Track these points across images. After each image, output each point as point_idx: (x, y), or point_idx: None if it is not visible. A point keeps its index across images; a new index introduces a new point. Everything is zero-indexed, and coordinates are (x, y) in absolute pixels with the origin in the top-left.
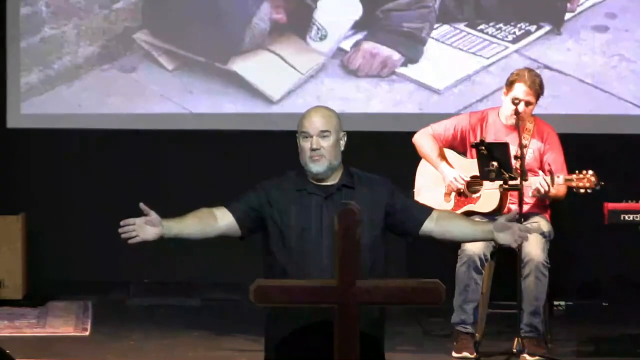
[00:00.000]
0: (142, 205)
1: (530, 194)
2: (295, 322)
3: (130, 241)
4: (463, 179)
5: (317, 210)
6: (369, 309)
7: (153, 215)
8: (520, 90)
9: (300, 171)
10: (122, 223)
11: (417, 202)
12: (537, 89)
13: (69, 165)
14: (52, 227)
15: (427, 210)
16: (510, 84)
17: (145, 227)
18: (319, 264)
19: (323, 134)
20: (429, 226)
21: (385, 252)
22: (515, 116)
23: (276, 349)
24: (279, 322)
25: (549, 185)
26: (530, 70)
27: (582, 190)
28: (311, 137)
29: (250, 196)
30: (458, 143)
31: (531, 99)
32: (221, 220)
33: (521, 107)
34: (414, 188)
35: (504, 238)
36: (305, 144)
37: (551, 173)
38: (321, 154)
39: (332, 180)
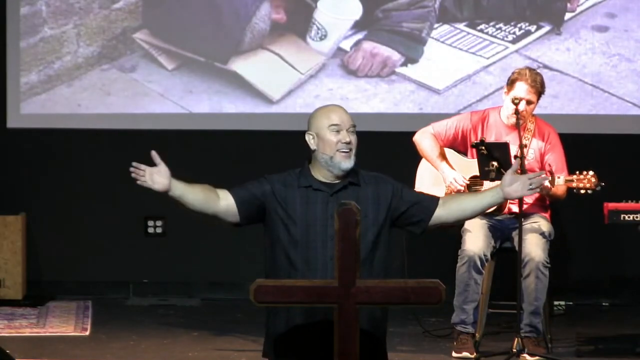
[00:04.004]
0: (153, 153)
1: None
2: (295, 320)
3: (138, 182)
4: (463, 180)
5: (322, 207)
6: (371, 307)
7: (163, 166)
8: (522, 89)
9: (303, 169)
10: (133, 164)
11: (423, 194)
12: (539, 88)
13: (69, 165)
14: (52, 227)
15: (435, 200)
16: (511, 83)
17: (154, 176)
18: (324, 260)
19: (351, 128)
20: (439, 213)
21: (388, 249)
22: (515, 116)
23: (275, 346)
24: (279, 319)
25: (549, 185)
26: (531, 69)
27: (582, 191)
28: (342, 130)
29: (255, 185)
30: (459, 143)
31: (532, 97)
32: (222, 200)
33: (522, 106)
34: (413, 187)
35: (515, 190)
36: (334, 138)
37: (552, 173)
38: (351, 149)
39: (339, 178)
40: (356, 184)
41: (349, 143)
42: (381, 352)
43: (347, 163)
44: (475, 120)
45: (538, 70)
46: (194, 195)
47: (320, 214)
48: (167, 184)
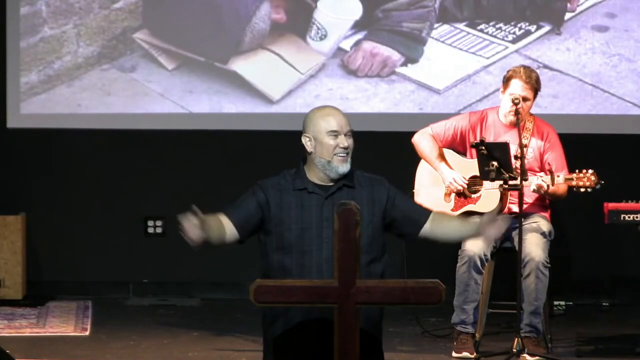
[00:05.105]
0: (194, 207)
1: (532, 190)
2: (292, 322)
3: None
4: (462, 180)
5: (317, 210)
6: (368, 307)
7: (201, 218)
8: (517, 86)
9: (298, 171)
10: (180, 220)
11: (416, 205)
12: (534, 84)
13: (69, 165)
14: (52, 227)
15: (425, 213)
16: (506, 81)
17: (193, 229)
18: (319, 264)
19: (348, 133)
20: (427, 228)
21: (382, 252)
22: (513, 113)
23: (275, 349)
24: (277, 323)
25: (548, 185)
26: (525, 66)
27: (582, 190)
28: (340, 135)
29: (250, 199)
30: (458, 143)
31: (528, 94)
32: (228, 231)
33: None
34: (413, 188)
35: (489, 235)
36: (332, 142)
37: (551, 172)
38: (348, 153)
39: (334, 180)
40: (351, 186)
41: (346, 148)
42: (378, 352)
43: (344, 167)
44: (474, 120)
45: (537, 70)
46: (212, 236)
47: (315, 217)
48: (203, 235)
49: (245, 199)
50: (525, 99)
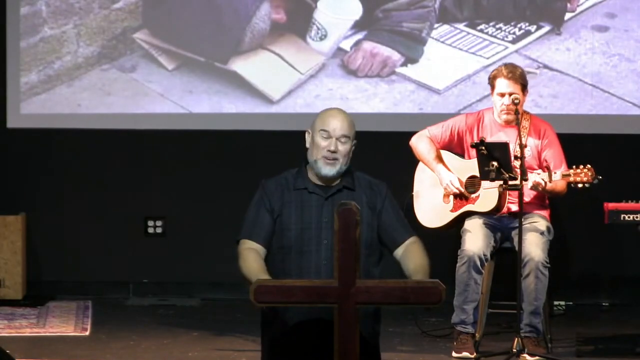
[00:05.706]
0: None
1: (529, 187)
2: (291, 322)
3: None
4: (459, 183)
5: (317, 210)
6: (365, 308)
7: None
8: (502, 84)
9: (300, 170)
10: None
11: (401, 222)
12: (518, 79)
13: (69, 165)
14: (52, 227)
15: (404, 236)
16: (492, 82)
17: None
18: (317, 265)
19: (342, 138)
20: (398, 253)
21: (380, 254)
22: (505, 111)
23: (273, 350)
24: (276, 323)
25: (545, 182)
26: (508, 64)
27: (580, 185)
28: (331, 138)
29: (262, 212)
30: (455, 144)
31: (515, 89)
32: (262, 254)
33: (506, 100)
34: (413, 190)
35: None
36: (322, 143)
37: (548, 169)
38: (336, 158)
39: (334, 181)
40: (351, 188)
41: (333, 152)
42: (375, 353)
43: (327, 170)
44: (471, 121)
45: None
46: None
47: (314, 218)
48: None
49: (257, 212)
50: (512, 95)
